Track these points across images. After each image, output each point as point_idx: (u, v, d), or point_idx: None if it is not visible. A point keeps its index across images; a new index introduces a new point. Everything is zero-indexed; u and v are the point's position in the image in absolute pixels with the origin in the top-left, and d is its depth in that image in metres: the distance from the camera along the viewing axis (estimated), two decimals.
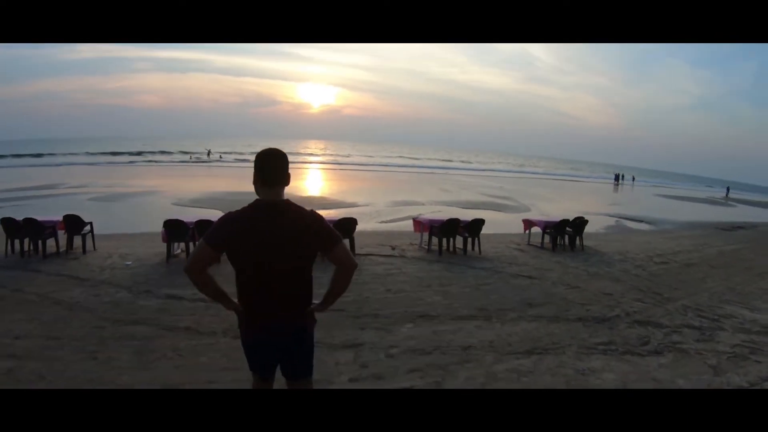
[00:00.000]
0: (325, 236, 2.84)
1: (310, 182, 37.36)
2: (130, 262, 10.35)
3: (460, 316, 7.60)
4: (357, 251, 11.27)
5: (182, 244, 11.28)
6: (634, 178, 68.37)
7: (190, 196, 23.54)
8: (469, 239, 12.42)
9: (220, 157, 65.01)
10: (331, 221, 10.75)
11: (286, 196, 2.92)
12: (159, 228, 10.97)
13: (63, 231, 11.48)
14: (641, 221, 23.18)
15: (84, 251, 11.19)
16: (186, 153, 68.61)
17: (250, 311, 2.92)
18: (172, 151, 73.08)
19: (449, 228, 12.30)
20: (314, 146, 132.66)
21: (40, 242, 10.80)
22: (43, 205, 20.70)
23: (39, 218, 10.94)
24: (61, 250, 11.15)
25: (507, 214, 22.45)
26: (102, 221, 13.91)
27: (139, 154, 65.86)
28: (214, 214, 17.76)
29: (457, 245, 12.56)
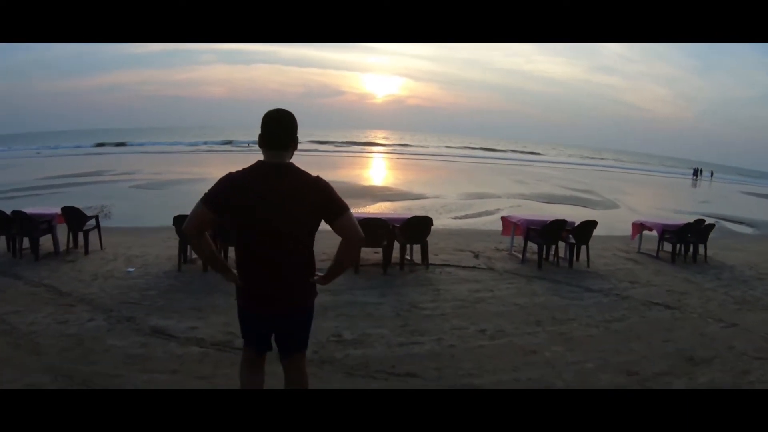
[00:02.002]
0: (328, 202, 2.70)
1: (375, 172, 34.73)
2: (132, 269, 8.24)
3: (601, 385, 4.64)
4: (431, 259, 8.74)
5: None
6: (712, 174, 62.33)
7: None
8: (575, 247, 9.29)
9: None
10: (400, 219, 8.49)
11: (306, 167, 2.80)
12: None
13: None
14: (740, 222, 19.62)
15: (86, 251, 9.27)
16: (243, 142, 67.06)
17: (248, 280, 2.81)
18: (234, 139, 72.34)
19: (553, 232, 9.19)
20: (379, 136, 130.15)
21: (38, 239, 9.04)
22: (79, 192, 20.35)
23: (36, 210, 9.48)
24: (63, 248, 9.33)
25: (594, 210, 18.83)
26: (133, 210, 14.15)
27: (204, 143, 66.48)
28: None
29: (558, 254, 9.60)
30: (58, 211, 9.41)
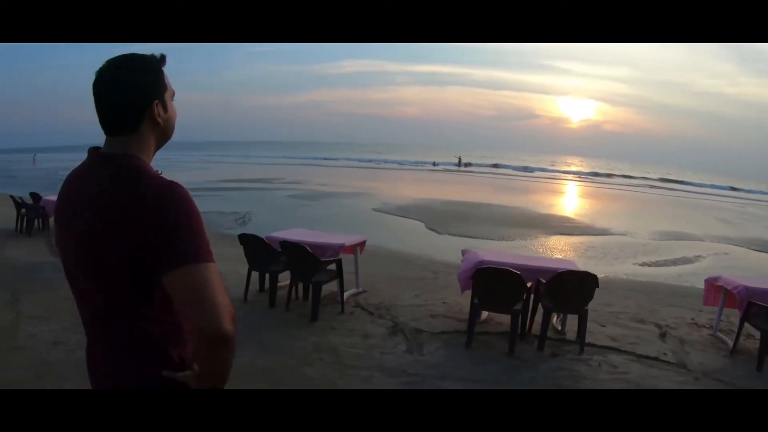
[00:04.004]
0: (160, 235, 1.31)
1: (560, 199, 30.71)
2: None
3: None
4: (587, 338, 5.14)
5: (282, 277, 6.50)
6: None
7: (400, 202, 19.98)
8: None
9: (466, 165, 61.08)
10: (549, 270, 5.18)
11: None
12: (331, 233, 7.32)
13: None
14: None
15: None
16: (429, 162, 66.57)
17: None
18: (420, 159, 72.01)
19: None
20: (572, 162, 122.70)
21: None
22: (236, 196, 21.39)
23: None
24: None
25: None
26: (271, 219, 14.06)
27: (397, 163, 65.99)
28: (414, 227, 14.35)
29: None
30: None
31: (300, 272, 5.80)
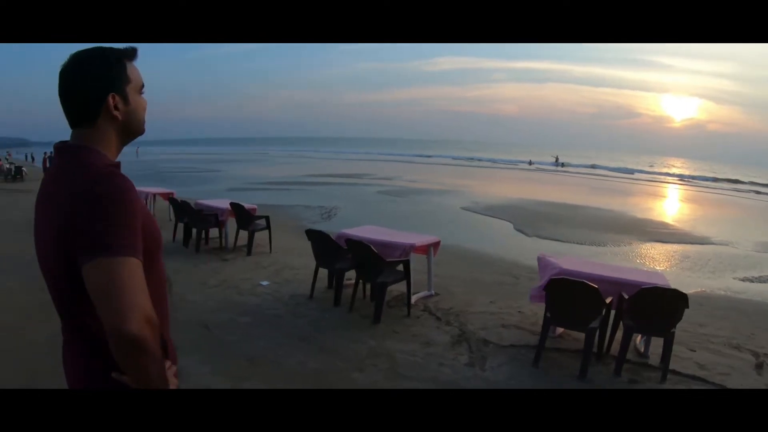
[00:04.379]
0: (79, 223, 1.27)
1: (658, 203, 28.72)
2: (266, 283, 6.76)
3: None
4: (672, 363, 4.42)
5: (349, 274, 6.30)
6: None
7: (489, 201, 19.40)
8: None
9: (562, 165, 58.98)
10: (632, 284, 4.57)
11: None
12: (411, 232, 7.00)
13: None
14: None
15: (249, 251, 8.47)
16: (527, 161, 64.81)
17: None
18: (516, 158, 70.47)
19: None
20: (673, 163, 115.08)
21: (204, 232, 9.05)
22: (325, 191, 21.71)
23: (211, 203, 9.45)
24: (229, 245, 9.00)
25: None
26: (356, 214, 14.01)
27: (492, 161, 64.85)
28: (501, 228, 13.92)
29: None
30: (228, 206, 8.84)
31: (365, 271, 5.59)
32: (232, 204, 8.70)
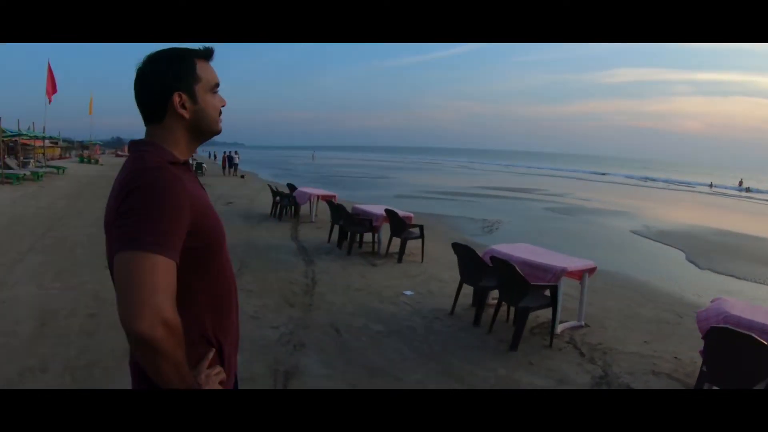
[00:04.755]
0: (117, 218, 1.29)
1: None
2: (410, 293, 6.62)
3: None
4: None
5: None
6: None
7: (663, 226, 17.49)
8: None
9: (747, 189, 52.33)
10: None
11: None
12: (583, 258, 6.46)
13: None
14: None
15: (400, 259, 8.47)
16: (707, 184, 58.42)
17: None
18: (695, 179, 64.09)
19: None
20: None
21: (358, 235, 9.32)
22: (491, 204, 21.36)
23: (368, 208, 9.62)
24: (381, 251, 9.07)
25: None
26: (519, 230, 13.72)
27: (667, 182, 59.56)
28: (672, 257, 12.63)
29: None
30: (383, 212, 8.96)
31: (508, 293, 5.17)
32: (387, 210, 8.78)
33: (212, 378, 1.41)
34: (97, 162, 42.05)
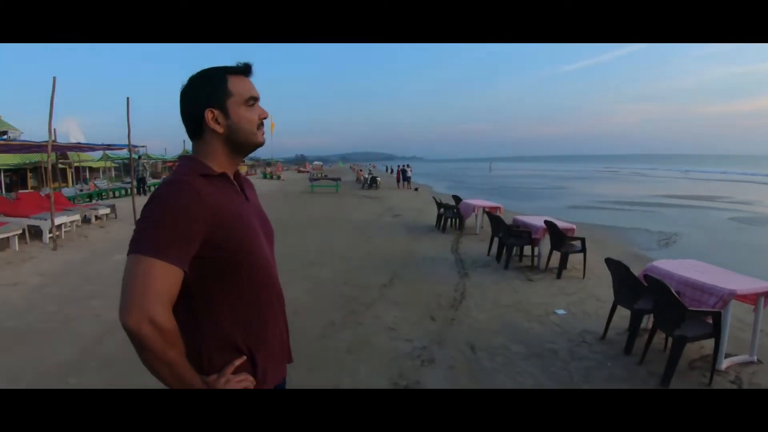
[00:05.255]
0: (135, 228, 1.42)
1: None
2: (563, 312, 6.34)
3: None
4: None
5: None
6: None
7: None
8: None
9: None
10: None
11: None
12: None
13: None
14: None
15: (559, 275, 8.11)
16: None
17: None
18: None
19: None
20: None
21: (517, 248, 9.25)
22: (670, 214, 20.06)
23: (529, 220, 9.38)
24: (540, 265, 8.80)
25: None
26: (704, 245, 12.52)
27: None
28: None
29: None
30: (543, 224, 8.69)
31: (662, 318, 4.66)
32: (546, 222, 8.52)
33: (233, 383, 1.46)
34: (279, 177, 47.64)
